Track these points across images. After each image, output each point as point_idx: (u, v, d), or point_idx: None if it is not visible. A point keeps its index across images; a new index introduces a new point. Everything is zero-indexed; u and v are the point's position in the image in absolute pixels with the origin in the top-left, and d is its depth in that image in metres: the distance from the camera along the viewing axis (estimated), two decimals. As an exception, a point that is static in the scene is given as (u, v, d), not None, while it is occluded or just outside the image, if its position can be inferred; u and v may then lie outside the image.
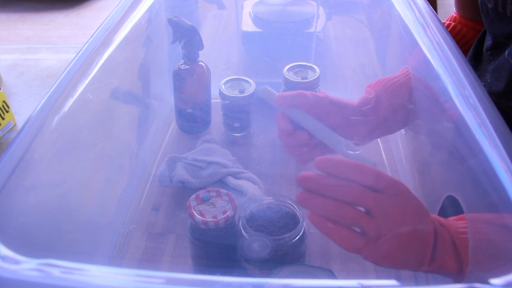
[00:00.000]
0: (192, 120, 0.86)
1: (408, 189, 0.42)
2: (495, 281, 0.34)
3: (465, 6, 0.86)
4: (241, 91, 0.82)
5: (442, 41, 0.60)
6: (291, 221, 0.57)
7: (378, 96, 0.62)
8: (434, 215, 0.46)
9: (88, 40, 0.64)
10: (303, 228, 0.54)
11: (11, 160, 0.45)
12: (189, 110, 0.84)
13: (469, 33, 0.85)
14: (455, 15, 0.88)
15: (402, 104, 0.62)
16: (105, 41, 0.65)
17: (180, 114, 0.86)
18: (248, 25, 0.93)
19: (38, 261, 0.36)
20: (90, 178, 0.62)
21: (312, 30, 0.91)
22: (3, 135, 1.68)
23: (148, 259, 0.64)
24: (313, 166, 0.43)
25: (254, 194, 0.68)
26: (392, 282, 0.42)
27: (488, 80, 0.66)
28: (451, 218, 0.48)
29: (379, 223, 0.39)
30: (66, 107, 0.54)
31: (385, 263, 0.42)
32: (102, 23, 0.69)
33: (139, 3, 0.77)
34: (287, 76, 0.80)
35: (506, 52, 0.62)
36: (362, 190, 0.39)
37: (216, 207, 0.57)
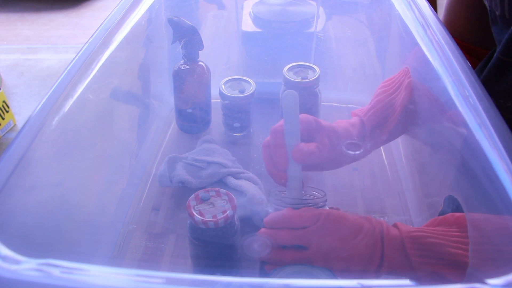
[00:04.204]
0: (192, 120, 0.86)
1: (336, 214, 0.50)
2: (495, 281, 0.34)
3: (455, 25, 0.84)
4: (241, 91, 0.82)
5: (442, 41, 0.60)
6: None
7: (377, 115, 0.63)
8: (382, 221, 0.50)
9: (88, 40, 0.64)
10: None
11: (11, 160, 0.45)
12: (189, 110, 0.84)
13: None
14: None
15: (402, 118, 0.62)
16: (105, 41, 0.65)
17: (180, 114, 0.86)
18: (248, 25, 0.93)
19: (38, 261, 0.36)
20: (90, 178, 0.62)
21: (312, 30, 0.91)
22: (3, 135, 1.68)
23: (148, 259, 0.64)
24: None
25: (254, 194, 0.68)
26: (392, 282, 0.42)
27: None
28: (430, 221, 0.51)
29: (312, 250, 0.48)
30: (66, 107, 0.54)
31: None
32: (102, 23, 0.69)
33: (139, 3, 0.77)
34: (287, 76, 0.80)
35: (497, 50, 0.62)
36: (292, 233, 0.49)
37: (216, 206, 0.57)
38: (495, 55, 0.63)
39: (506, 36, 0.60)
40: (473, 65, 0.71)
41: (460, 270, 0.45)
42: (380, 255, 0.48)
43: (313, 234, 0.48)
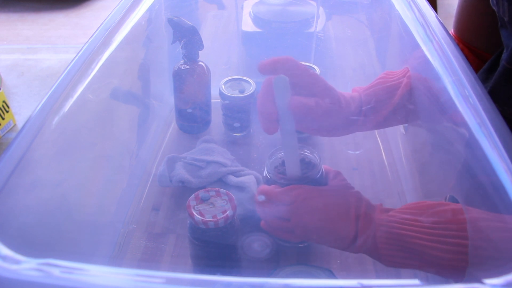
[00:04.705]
0: (192, 120, 0.86)
1: (316, 194, 0.55)
2: (494, 281, 0.34)
3: (466, 31, 0.84)
4: (241, 91, 0.82)
5: (442, 41, 0.60)
6: (310, 165, 0.61)
7: (376, 96, 0.62)
8: (364, 203, 0.53)
9: (88, 40, 0.64)
10: (322, 170, 0.60)
11: (11, 160, 0.45)
12: (189, 110, 0.84)
13: (469, 56, 0.84)
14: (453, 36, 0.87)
15: (401, 103, 0.62)
16: (105, 41, 0.65)
17: (180, 114, 0.86)
18: (248, 25, 0.93)
19: (38, 261, 0.36)
20: (90, 178, 0.62)
21: (312, 30, 0.91)
22: (3, 135, 1.68)
23: (148, 259, 0.64)
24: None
25: (254, 193, 0.68)
26: (392, 282, 0.42)
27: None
28: (404, 206, 0.52)
29: (293, 223, 0.54)
30: (66, 107, 0.54)
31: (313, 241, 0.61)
32: (102, 23, 0.69)
33: (139, 3, 0.77)
34: (287, 76, 0.80)
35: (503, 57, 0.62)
36: (281, 208, 0.56)
37: (216, 206, 0.57)
38: (501, 63, 0.63)
39: (511, 47, 0.60)
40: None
41: (434, 265, 0.46)
42: (353, 236, 0.51)
43: (292, 211, 0.54)
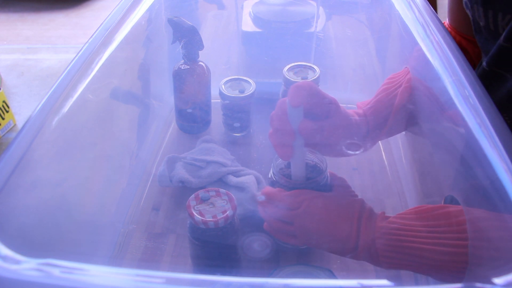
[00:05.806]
0: (192, 120, 0.86)
1: (319, 201, 0.55)
2: (495, 280, 0.34)
3: (459, 21, 0.84)
4: (241, 91, 0.82)
5: (442, 41, 0.60)
6: (316, 169, 0.61)
7: (378, 106, 0.63)
8: (367, 209, 0.53)
9: (88, 40, 0.64)
10: (327, 175, 0.60)
11: (11, 160, 0.45)
12: (189, 110, 0.84)
13: (468, 46, 0.84)
14: (449, 28, 0.87)
15: (403, 108, 0.62)
16: (105, 41, 0.65)
17: (180, 114, 0.86)
18: (248, 25, 0.93)
19: (38, 261, 0.36)
20: (90, 178, 0.62)
21: (312, 30, 0.91)
22: (3, 135, 1.68)
23: (148, 259, 0.64)
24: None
25: (254, 193, 0.68)
26: (392, 282, 0.42)
27: None
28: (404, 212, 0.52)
29: (296, 227, 0.55)
30: (66, 107, 0.54)
31: (315, 246, 0.62)
32: (102, 23, 0.69)
33: (139, 3, 0.77)
34: (287, 76, 0.80)
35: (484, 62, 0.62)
36: (285, 212, 0.56)
37: (216, 206, 0.57)
38: (482, 66, 0.62)
39: (494, 50, 0.59)
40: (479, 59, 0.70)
41: (434, 268, 0.46)
42: (355, 243, 0.51)
43: (295, 216, 0.54)
